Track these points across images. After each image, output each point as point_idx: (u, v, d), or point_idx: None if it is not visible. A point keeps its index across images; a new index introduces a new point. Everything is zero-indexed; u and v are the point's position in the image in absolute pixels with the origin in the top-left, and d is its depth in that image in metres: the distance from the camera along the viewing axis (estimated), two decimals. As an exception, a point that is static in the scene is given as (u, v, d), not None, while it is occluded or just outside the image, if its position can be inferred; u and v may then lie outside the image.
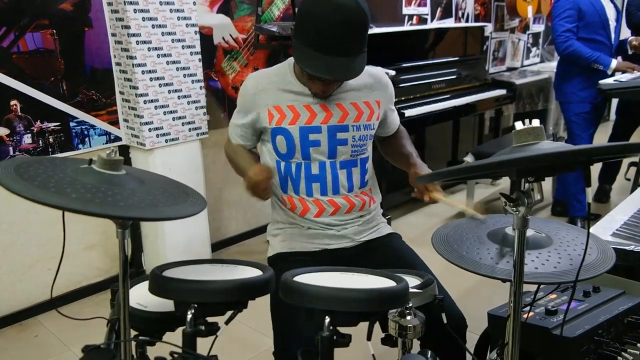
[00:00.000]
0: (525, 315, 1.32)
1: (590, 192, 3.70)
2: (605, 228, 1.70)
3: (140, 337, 1.15)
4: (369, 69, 1.69)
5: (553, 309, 1.33)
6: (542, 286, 1.37)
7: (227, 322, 1.04)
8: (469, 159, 3.61)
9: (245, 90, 1.59)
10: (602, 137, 3.83)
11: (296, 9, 1.54)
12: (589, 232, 0.88)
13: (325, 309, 0.94)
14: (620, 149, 0.73)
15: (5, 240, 2.49)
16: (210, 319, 1.04)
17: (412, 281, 1.29)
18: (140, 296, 1.27)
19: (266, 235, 1.74)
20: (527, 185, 0.90)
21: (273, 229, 1.69)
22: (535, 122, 0.89)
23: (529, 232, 1.21)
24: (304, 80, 1.53)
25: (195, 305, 0.98)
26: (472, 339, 1.53)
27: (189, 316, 0.98)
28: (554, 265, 1.10)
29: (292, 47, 1.46)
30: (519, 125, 0.89)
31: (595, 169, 3.96)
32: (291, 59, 1.59)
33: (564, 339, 1.20)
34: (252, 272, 1.12)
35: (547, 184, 3.99)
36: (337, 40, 1.36)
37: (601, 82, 3.06)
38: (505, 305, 1.45)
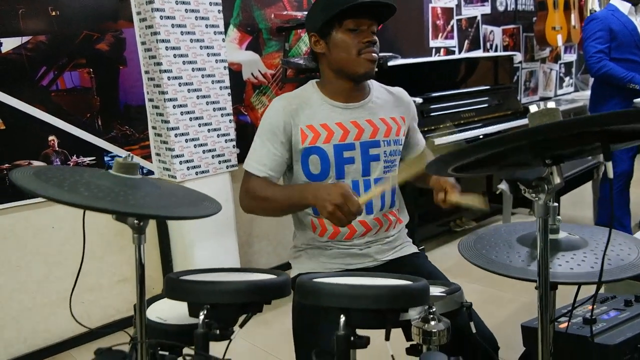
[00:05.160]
0: (562, 326, 1.24)
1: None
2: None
3: (160, 352, 1.14)
4: (389, 88, 1.69)
5: (592, 318, 1.24)
6: (578, 298, 1.29)
7: (241, 325, 1.01)
8: (503, 186, 3.52)
9: (276, 110, 1.52)
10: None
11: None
12: (611, 227, 0.82)
13: (340, 307, 0.90)
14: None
15: (41, 272, 2.53)
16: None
17: (437, 289, 1.24)
18: (160, 311, 1.28)
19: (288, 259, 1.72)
20: (546, 170, 0.86)
21: (294, 252, 1.67)
22: (551, 104, 0.85)
23: (562, 235, 1.16)
24: (334, 88, 1.54)
25: (208, 306, 0.96)
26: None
27: (201, 316, 0.96)
28: (590, 266, 1.04)
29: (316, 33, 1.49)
30: (533, 108, 0.86)
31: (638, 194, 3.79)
32: (312, 81, 1.61)
33: (604, 347, 1.12)
34: (268, 277, 1.10)
35: (589, 209, 3.83)
36: None
37: (636, 101, 2.98)
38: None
